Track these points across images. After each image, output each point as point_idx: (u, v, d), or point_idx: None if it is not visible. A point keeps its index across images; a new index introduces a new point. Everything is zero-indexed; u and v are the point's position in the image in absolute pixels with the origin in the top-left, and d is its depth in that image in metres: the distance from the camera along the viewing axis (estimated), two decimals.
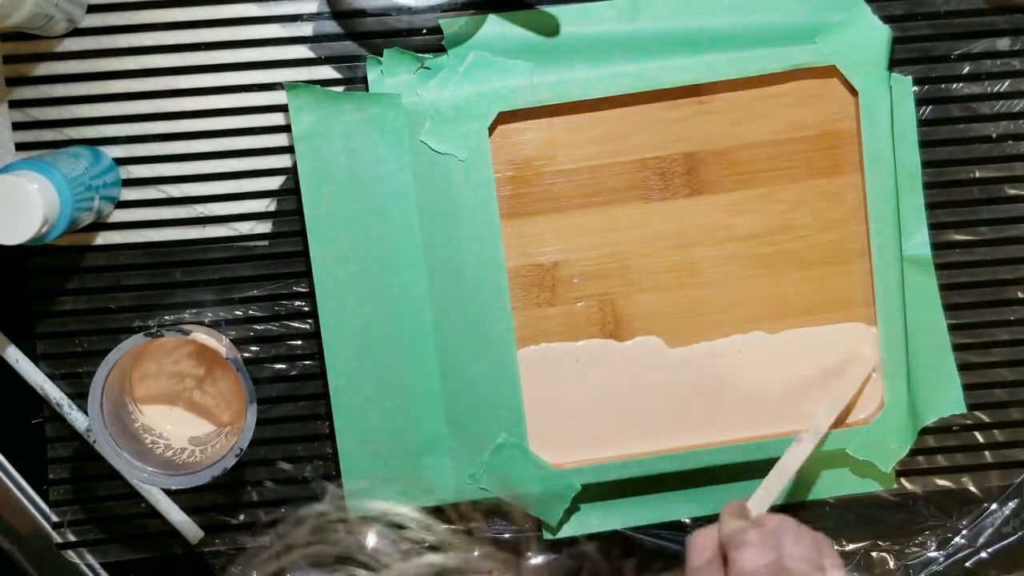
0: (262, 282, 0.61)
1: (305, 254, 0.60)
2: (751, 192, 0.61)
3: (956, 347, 0.61)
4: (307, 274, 0.61)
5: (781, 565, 0.46)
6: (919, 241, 0.60)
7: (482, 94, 0.59)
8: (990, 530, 0.63)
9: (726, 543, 0.47)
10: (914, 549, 0.63)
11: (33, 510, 0.62)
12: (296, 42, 0.60)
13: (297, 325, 0.61)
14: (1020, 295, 0.63)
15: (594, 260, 0.61)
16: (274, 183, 0.61)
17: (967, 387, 0.61)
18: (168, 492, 0.62)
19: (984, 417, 0.63)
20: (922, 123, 0.61)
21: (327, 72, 0.60)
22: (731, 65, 0.59)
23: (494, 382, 0.60)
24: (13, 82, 0.60)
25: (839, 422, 0.61)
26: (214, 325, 0.61)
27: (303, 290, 0.61)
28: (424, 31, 0.60)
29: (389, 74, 0.59)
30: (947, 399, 0.60)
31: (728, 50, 0.59)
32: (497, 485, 0.60)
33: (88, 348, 0.61)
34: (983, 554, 0.63)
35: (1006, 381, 0.63)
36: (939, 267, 0.61)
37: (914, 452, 0.62)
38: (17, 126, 0.60)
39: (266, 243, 0.61)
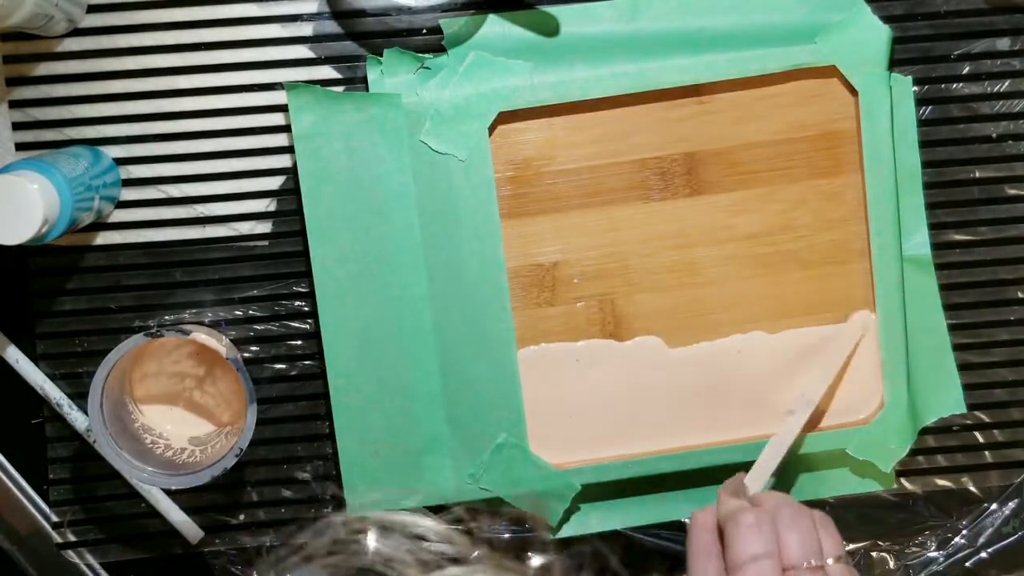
0: (262, 282, 0.61)
1: (305, 254, 0.60)
2: (751, 192, 0.61)
3: (956, 347, 0.61)
4: (307, 274, 0.61)
5: (777, 546, 0.46)
6: (919, 241, 0.60)
7: (482, 94, 0.59)
8: (990, 530, 0.63)
9: (723, 522, 0.47)
10: (914, 549, 0.63)
11: (33, 510, 0.62)
12: (296, 42, 0.60)
13: (297, 325, 0.61)
14: (1020, 295, 0.63)
15: (594, 260, 0.61)
16: (274, 183, 0.61)
17: (967, 387, 0.61)
18: (168, 492, 0.62)
19: (984, 417, 0.63)
20: (922, 123, 0.61)
21: (327, 72, 0.60)
22: (731, 65, 0.59)
23: (494, 382, 0.60)
24: (13, 82, 0.60)
25: (832, 393, 0.61)
26: (214, 325, 0.61)
27: (303, 290, 0.61)
28: (424, 31, 0.60)
29: (389, 74, 0.59)
30: (947, 399, 0.60)
31: (728, 50, 0.59)
32: (498, 485, 0.60)
33: (88, 348, 0.61)
34: (983, 554, 0.63)
35: (1006, 381, 0.63)
36: (939, 267, 0.61)
37: (914, 452, 0.62)
38: (17, 126, 0.60)
39: (266, 243, 0.61)
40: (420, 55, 0.59)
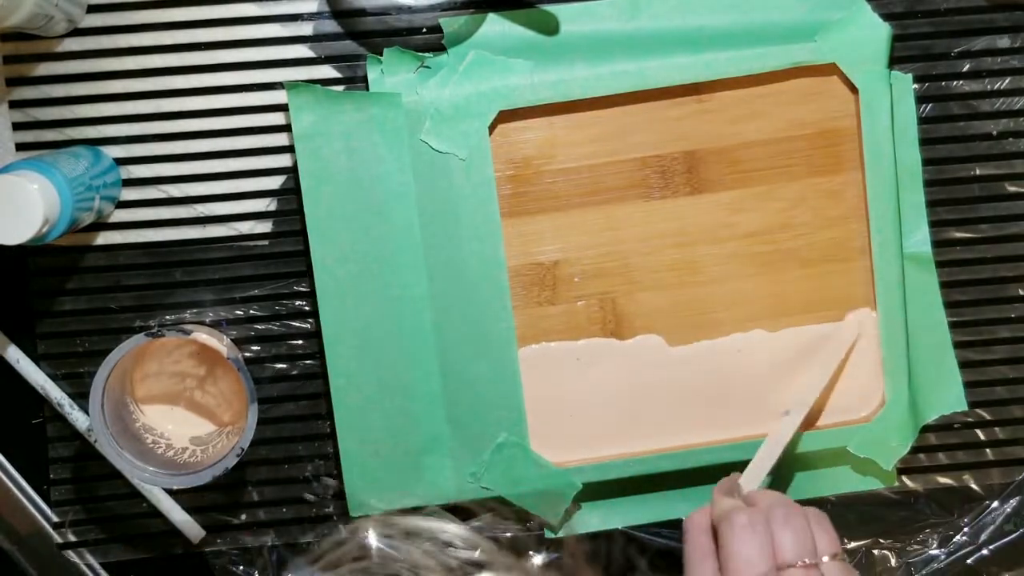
0: (263, 282, 0.61)
1: (305, 253, 0.60)
2: (751, 190, 0.61)
3: (957, 344, 0.61)
4: (307, 273, 0.61)
5: (771, 545, 0.45)
6: (919, 239, 0.60)
7: (482, 93, 0.59)
8: (991, 528, 0.63)
9: (717, 523, 0.47)
10: (915, 547, 0.63)
11: (33, 510, 0.62)
12: (296, 41, 0.60)
13: (298, 324, 0.61)
14: (1021, 292, 0.63)
15: (595, 259, 0.61)
16: (274, 183, 0.61)
17: (968, 384, 0.61)
18: (169, 492, 0.62)
19: (985, 414, 0.63)
20: (922, 120, 0.61)
21: (327, 71, 0.60)
22: (731, 63, 0.59)
23: (495, 381, 0.60)
24: (13, 82, 0.60)
25: (828, 394, 0.61)
26: (215, 325, 0.61)
27: (304, 289, 0.61)
28: (424, 30, 0.60)
29: (389, 73, 0.59)
30: (948, 396, 0.60)
31: (728, 48, 0.59)
32: (499, 485, 0.60)
33: (89, 348, 0.61)
34: (984, 551, 0.63)
35: (1007, 378, 0.63)
36: (940, 264, 0.61)
37: (915, 450, 0.62)
38: (17, 126, 0.60)
39: (266, 243, 0.61)
40: (420, 54, 0.59)
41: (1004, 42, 0.61)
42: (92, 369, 0.56)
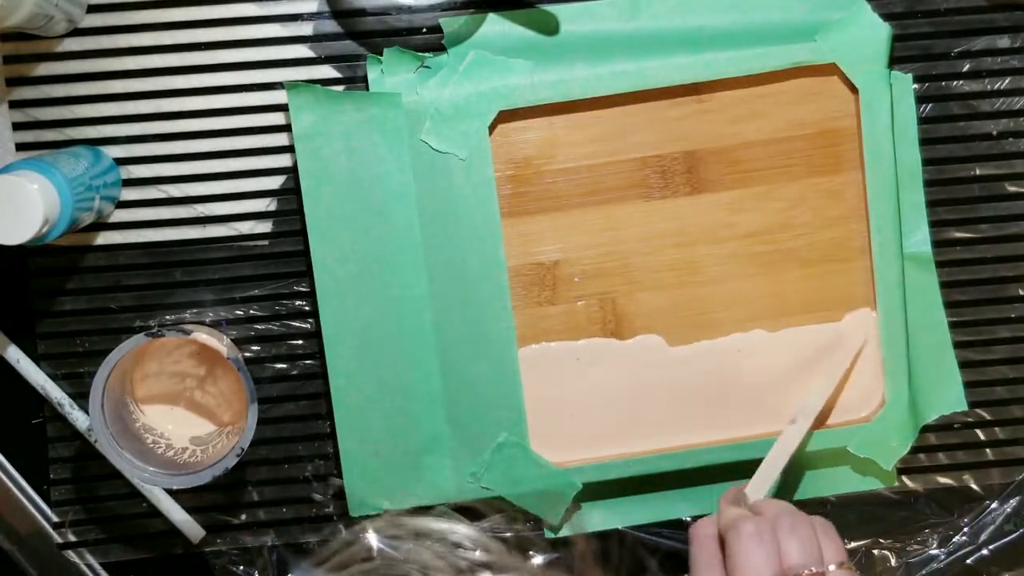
0: (263, 282, 0.61)
1: (305, 253, 0.60)
2: (751, 190, 0.61)
3: (957, 344, 0.61)
4: (307, 273, 0.61)
5: (778, 554, 0.46)
6: (920, 239, 0.60)
7: (482, 93, 0.59)
8: (991, 527, 0.63)
9: (724, 532, 0.47)
10: (915, 547, 0.63)
11: (33, 510, 0.62)
12: (296, 41, 0.60)
13: (298, 324, 0.61)
14: (1021, 292, 0.63)
15: (595, 259, 0.61)
16: (274, 183, 0.61)
17: (968, 384, 0.61)
18: (169, 492, 0.62)
19: (985, 415, 0.63)
20: (922, 120, 0.61)
21: (327, 71, 0.60)
22: (731, 63, 0.59)
23: (495, 381, 0.60)
24: (13, 82, 0.60)
25: (833, 401, 0.61)
26: (215, 325, 0.61)
27: (304, 289, 0.61)
28: (424, 30, 0.60)
29: (389, 73, 0.59)
30: (948, 396, 0.60)
31: (728, 48, 0.59)
32: (499, 485, 0.60)
33: (89, 348, 0.61)
34: (984, 551, 0.63)
35: (1007, 378, 0.63)
36: (940, 264, 0.61)
37: (915, 450, 0.62)
38: (17, 126, 0.60)
39: (266, 243, 0.61)
40: (420, 54, 0.59)
41: (1004, 42, 0.61)
42: (92, 369, 0.56)
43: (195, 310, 0.61)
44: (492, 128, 0.59)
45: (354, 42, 0.60)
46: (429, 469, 0.60)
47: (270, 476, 0.62)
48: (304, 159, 0.58)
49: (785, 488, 0.62)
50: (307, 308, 0.61)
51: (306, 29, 0.60)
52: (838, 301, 0.62)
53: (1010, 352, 0.63)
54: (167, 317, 0.61)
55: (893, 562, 0.63)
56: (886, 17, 0.60)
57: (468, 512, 0.60)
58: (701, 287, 0.61)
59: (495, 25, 0.59)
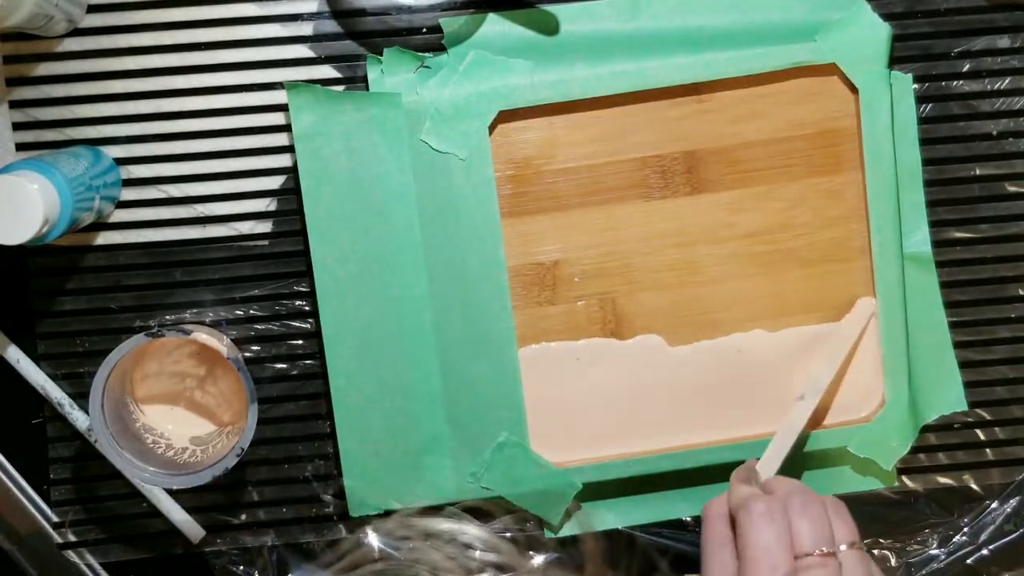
0: (263, 282, 0.61)
1: (305, 253, 0.60)
2: (751, 190, 0.61)
3: (957, 344, 0.61)
4: (307, 273, 0.61)
5: (788, 533, 0.45)
6: (920, 239, 0.60)
7: (482, 93, 0.59)
8: (991, 527, 0.63)
9: (735, 510, 0.47)
10: (915, 547, 0.63)
11: (33, 510, 0.62)
12: (296, 41, 0.60)
13: (298, 324, 0.61)
14: (1021, 292, 0.63)
15: (595, 259, 0.61)
16: (274, 183, 0.61)
17: (968, 384, 0.61)
18: (169, 492, 0.62)
19: (985, 414, 0.63)
20: (922, 120, 0.61)
21: (327, 71, 0.60)
22: (731, 63, 0.59)
23: (495, 381, 0.60)
24: (13, 82, 0.60)
25: (840, 379, 0.61)
26: (215, 325, 0.61)
27: (304, 289, 0.61)
28: (424, 30, 0.60)
29: (389, 73, 0.59)
30: (948, 396, 0.60)
31: (728, 48, 0.59)
32: (499, 485, 0.60)
33: (89, 348, 0.61)
34: (984, 551, 0.63)
35: (1007, 378, 0.63)
36: (940, 264, 0.61)
37: (915, 450, 0.62)
38: (17, 126, 0.60)
39: (266, 243, 0.61)
40: (420, 54, 0.59)
41: (1004, 42, 0.61)
42: (92, 369, 0.56)
43: (195, 310, 0.61)
44: (492, 128, 0.59)
45: (354, 42, 0.60)
46: (429, 469, 0.60)
47: (270, 476, 0.62)
48: (304, 159, 0.58)
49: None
50: (307, 308, 0.61)
51: (306, 29, 0.60)
52: (838, 301, 0.62)
53: (1010, 352, 0.63)
54: (167, 317, 0.61)
55: (893, 562, 0.63)
56: (886, 17, 0.60)
57: (478, 513, 0.60)
58: (701, 287, 0.61)
59: (495, 25, 0.59)
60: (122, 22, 0.59)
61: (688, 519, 0.62)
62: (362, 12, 0.60)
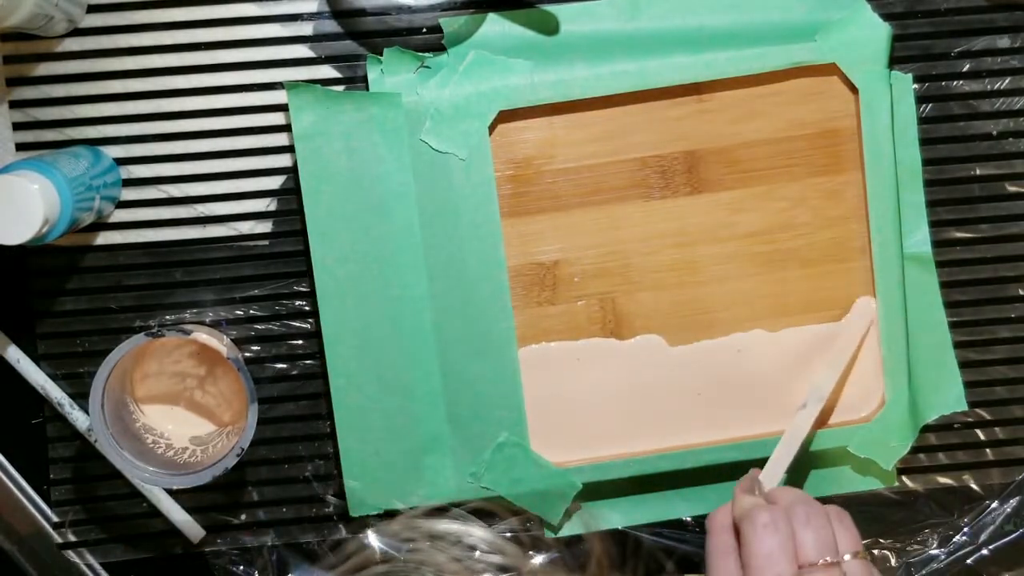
0: (263, 281, 0.61)
1: (305, 253, 0.60)
2: (751, 190, 0.61)
3: (957, 344, 0.61)
4: (308, 273, 0.61)
5: (792, 544, 0.45)
6: (920, 239, 0.60)
7: (482, 93, 0.59)
8: (991, 527, 0.63)
9: (739, 521, 0.47)
10: (915, 547, 0.63)
11: (33, 510, 0.62)
12: (296, 41, 0.60)
13: (298, 324, 0.61)
14: (1021, 292, 0.63)
15: (595, 259, 0.61)
16: (274, 183, 0.61)
17: (968, 384, 0.61)
18: (169, 492, 0.62)
19: (985, 414, 0.63)
20: (922, 120, 0.61)
21: (327, 71, 0.60)
22: (731, 63, 0.59)
23: (495, 381, 0.60)
24: (13, 82, 0.60)
25: (842, 384, 0.61)
26: (215, 325, 0.61)
27: (304, 289, 0.61)
28: (424, 30, 0.60)
29: (389, 73, 0.59)
30: (948, 396, 0.60)
31: (728, 48, 0.59)
32: (499, 485, 0.60)
33: (89, 348, 0.61)
34: (984, 551, 0.63)
35: (1007, 378, 0.63)
36: (940, 264, 0.61)
37: (915, 450, 0.62)
38: (17, 126, 0.60)
39: (266, 243, 0.61)
40: (420, 54, 0.59)
41: (1004, 42, 0.61)
42: (92, 369, 0.56)
43: (195, 310, 0.61)
44: (492, 128, 0.59)
45: (354, 42, 0.60)
46: (429, 469, 0.60)
47: (270, 476, 0.62)
48: (304, 159, 0.58)
49: (794, 486, 0.62)
50: (307, 308, 0.61)
51: (306, 29, 0.60)
52: (838, 301, 0.62)
53: (1010, 352, 0.63)
54: (167, 317, 0.61)
55: (893, 562, 0.63)
56: (886, 17, 0.60)
57: (483, 514, 0.60)
58: (701, 287, 0.61)
59: (495, 25, 0.59)
60: (122, 22, 0.59)
61: (688, 519, 0.62)
62: (362, 12, 0.60)
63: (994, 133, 0.62)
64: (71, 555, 0.62)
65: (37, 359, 0.61)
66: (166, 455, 0.58)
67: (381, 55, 0.59)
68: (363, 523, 0.62)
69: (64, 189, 0.52)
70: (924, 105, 0.61)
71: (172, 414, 0.61)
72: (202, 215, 0.61)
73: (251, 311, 0.61)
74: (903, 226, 0.60)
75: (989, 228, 0.62)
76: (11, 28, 0.53)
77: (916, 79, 0.61)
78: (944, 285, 0.61)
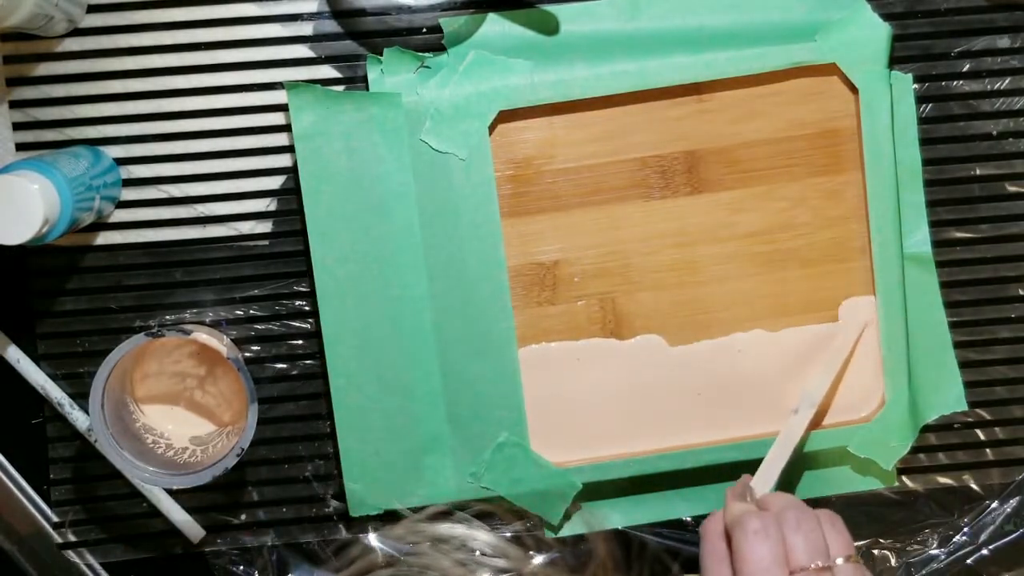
0: (263, 281, 0.61)
1: (305, 253, 0.60)
2: (751, 190, 0.61)
3: (957, 344, 0.61)
4: (308, 273, 0.61)
5: (783, 549, 0.46)
6: (920, 239, 0.60)
7: (482, 93, 0.59)
8: (991, 527, 0.63)
9: (730, 528, 0.48)
10: (915, 547, 0.63)
11: (34, 510, 0.62)
12: (296, 41, 0.60)
13: (298, 324, 0.61)
14: (1021, 292, 0.63)
15: (595, 259, 0.61)
16: (274, 183, 0.61)
17: (968, 384, 0.61)
18: (169, 492, 0.62)
19: (985, 414, 0.63)
20: (922, 120, 0.61)
21: (327, 71, 0.60)
22: (731, 63, 0.59)
23: (495, 381, 0.60)
24: (13, 82, 0.60)
25: (835, 390, 0.61)
26: (215, 325, 0.61)
27: (304, 289, 0.61)
28: (424, 30, 0.60)
29: (389, 73, 0.59)
30: (948, 396, 0.60)
31: (728, 48, 0.59)
32: (499, 485, 0.60)
33: (89, 348, 0.61)
34: (984, 551, 0.63)
35: (1007, 378, 0.63)
36: (940, 264, 0.61)
37: (915, 450, 0.62)
38: (17, 126, 0.60)
39: (266, 243, 0.61)
40: (420, 54, 0.59)
41: (1004, 42, 0.61)
42: (92, 369, 0.56)
43: (195, 310, 0.61)
44: (492, 128, 0.59)
45: (354, 42, 0.60)
46: (429, 469, 0.60)
47: (270, 476, 0.62)
48: (304, 159, 0.58)
49: (786, 488, 0.62)
50: (307, 308, 0.61)
51: (306, 29, 0.60)
52: (838, 301, 0.62)
53: (1010, 352, 0.63)
54: (167, 317, 0.61)
55: (893, 562, 0.63)
56: (886, 17, 0.60)
57: (486, 517, 0.60)
58: (701, 287, 0.61)
59: (495, 25, 0.59)
60: (122, 22, 0.59)
61: (688, 519, 0.62)
62: (362, 12, 0.60)
63: (994, 133, 0.62)
64: (71, 555, 0.62)
65: (37, 359, 0.61)
66: (166, 455, 0.58)
67: (381, 55, 0.59)
68: (363, 523, 0.62)
69: (64, 189, 0.52)
70: (924, 105, 0.61)
71: (172, 414, 0.61)
72: (202, 215, 0.61)
73: (251, 311, 0.61)
74: (903, 226, 0.60)
75: (989, 228, 0.62)
76: (11, 28, 0.53)
77: (916, 79, 0.61)
78: (944, 285, 0.61)
